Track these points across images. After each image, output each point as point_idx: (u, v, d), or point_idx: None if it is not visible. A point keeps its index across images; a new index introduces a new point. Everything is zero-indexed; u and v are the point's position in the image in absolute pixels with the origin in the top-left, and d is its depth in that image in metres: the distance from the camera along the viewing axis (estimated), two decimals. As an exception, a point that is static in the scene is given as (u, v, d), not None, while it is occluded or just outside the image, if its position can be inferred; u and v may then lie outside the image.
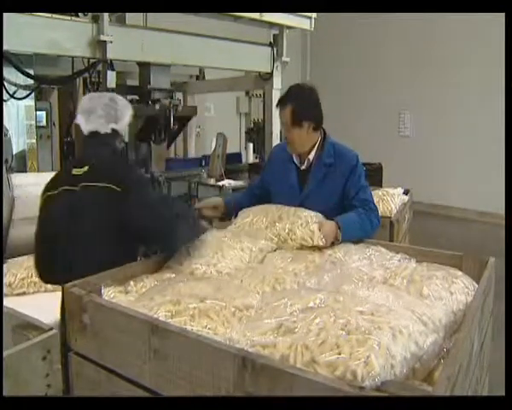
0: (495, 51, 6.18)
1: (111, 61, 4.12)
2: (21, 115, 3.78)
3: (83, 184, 1.97)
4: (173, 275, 1.68)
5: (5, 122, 3.57)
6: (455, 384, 1.02)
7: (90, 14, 3.91)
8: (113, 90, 4.18)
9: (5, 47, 3.10)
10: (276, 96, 5.28)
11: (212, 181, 5.05)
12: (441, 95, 8.21)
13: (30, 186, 2.88)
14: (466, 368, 1.17)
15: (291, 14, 5.10)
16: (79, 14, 3.91)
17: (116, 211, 1.89)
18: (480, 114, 7.81)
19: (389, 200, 3.21)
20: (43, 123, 4.72)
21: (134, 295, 1.52)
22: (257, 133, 7.30)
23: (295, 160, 2.29)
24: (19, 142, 3.78)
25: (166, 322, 1.22)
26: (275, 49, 5.32)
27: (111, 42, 3.93)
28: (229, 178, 5.15)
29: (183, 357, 1.12)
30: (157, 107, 4.66)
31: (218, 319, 1.26)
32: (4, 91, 3.58)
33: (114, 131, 2.11)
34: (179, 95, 6.14)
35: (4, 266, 2.52)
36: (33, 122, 3.87)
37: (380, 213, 2.27)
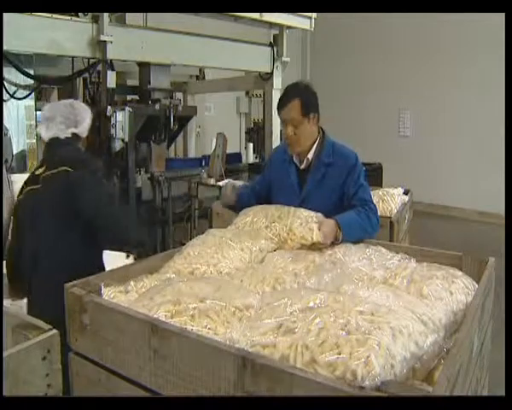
0: (495, 51, 6.18)
1: (111, 61, 4.12)
2: (21, 115, 3.78)
3: (43, 175, 2.12)
4: (173, 275, 1.68)
5: (5, 122, 3.57)
6: (455, 384, 1.02)
7: (90, 14, 3.92)
8: (113, 90, 4.19)
9: (5, 47, 3.10)
10: (276, 96, 5.28)
11: (212, 181, 5.05)
12: (441, 95, 8.21)
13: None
14: (466, 368, 1.17)
15: (291, 14, 5.10)
16: (79, 14, 3.92)
17: (72, 195, 2.06)
18: (480, 113, 7.81)
19: (389, 200, 3.20)
20: (43, 123, 4.71)
21: (134, 295, 1.52)
22: (257, 133, 7.31)
23: (295, 160, 2.30)
24: (19, 142, 3.78)
25: (166, 322, 1.22)
26: (275, 49, 5.33)
27: (111, 42, 3.94)
28: (229, 178, 5.15)
29: (183, 357, 1.12)
30: (157, 107, 4.66)
31: (218, 319, 1.26)
32: (4, 91, 3.59)
33: (75, 135, 2.22)
34: (179, 95, 6.14)
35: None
36: (33, 122, 3.87)
37: (380, 213, 2.26)
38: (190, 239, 2.04)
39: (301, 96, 2.18)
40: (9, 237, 2.23)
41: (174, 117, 4.76)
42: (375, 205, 2.22)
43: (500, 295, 1.65)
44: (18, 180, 3.00)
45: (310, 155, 2.26)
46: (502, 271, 1.63)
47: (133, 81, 5.17)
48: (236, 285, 1.53)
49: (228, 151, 5.37)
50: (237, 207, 2.35)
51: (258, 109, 7.96)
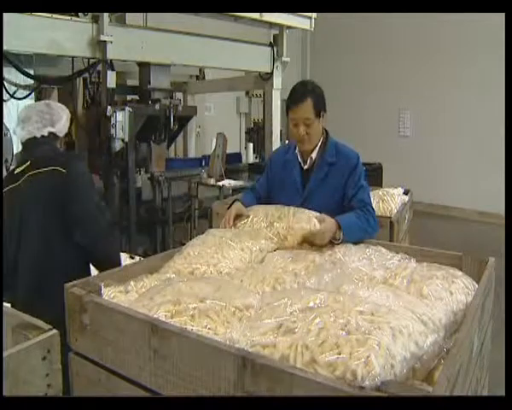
0: (495, 51, 6.18)
1: (111, 61, 4.12)
2: (21, 115, 3.78)
3: (28, 174, 2.07)
4: (173, 275, 1.68)
5: (5, 122, 3.57)
6: (455, 384, 1.02)
7: (90, 14, 3.92)
8: (113, 90, 4.19)
9: (5, 47, 3.10)
10: (276, 96, 5.29)
11: (211, 181, 5.05)
12: (441, 95, 8.22)
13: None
14: (466, 368, 1.17)
15: (291, 14, 5.10)
16: (79, 14, 3.92)
17: (60, 194, 2.03)
18: (480, 113, 7.82)
19: (389, 200, 3.21)
20: (43, 123, 4.71)
21: (134, 295, 1.52)
22: (257, 133, 7.31)
23: (299, 159, 2.29)
24: (19, 142, 3.78)
25: (166, 322, 1.22)
26: (275, 49, 5.32)
27: (111, 42, 3.94)
28: (229, 178, 5.16)
29: (183, 357, 1.12)
30: (157, 107, 4.66)
31: (218, 319, 1.26)
32: (4, 91, 3.59)
33: (52, 134, 2.18)
34: (179, 95, 6.14)
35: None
36: (33, 122, 3.87)
37: (380, 213, 2.26)
38: (190, 239, 2.04)
39: (312, 96, 2.18)
40: None
41: (174, 117, 4.76)
42: (373, 208, 2.22)
43: (500, 295, 1.65)
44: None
45: (313, 155, 2.26)
46: (502, 271, 1.63)
47: (133, 81, 5.18)
48: (236, 285, 1.53)
49: (228, 151, 5.38)
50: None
51: (258, 109, 7.97)
